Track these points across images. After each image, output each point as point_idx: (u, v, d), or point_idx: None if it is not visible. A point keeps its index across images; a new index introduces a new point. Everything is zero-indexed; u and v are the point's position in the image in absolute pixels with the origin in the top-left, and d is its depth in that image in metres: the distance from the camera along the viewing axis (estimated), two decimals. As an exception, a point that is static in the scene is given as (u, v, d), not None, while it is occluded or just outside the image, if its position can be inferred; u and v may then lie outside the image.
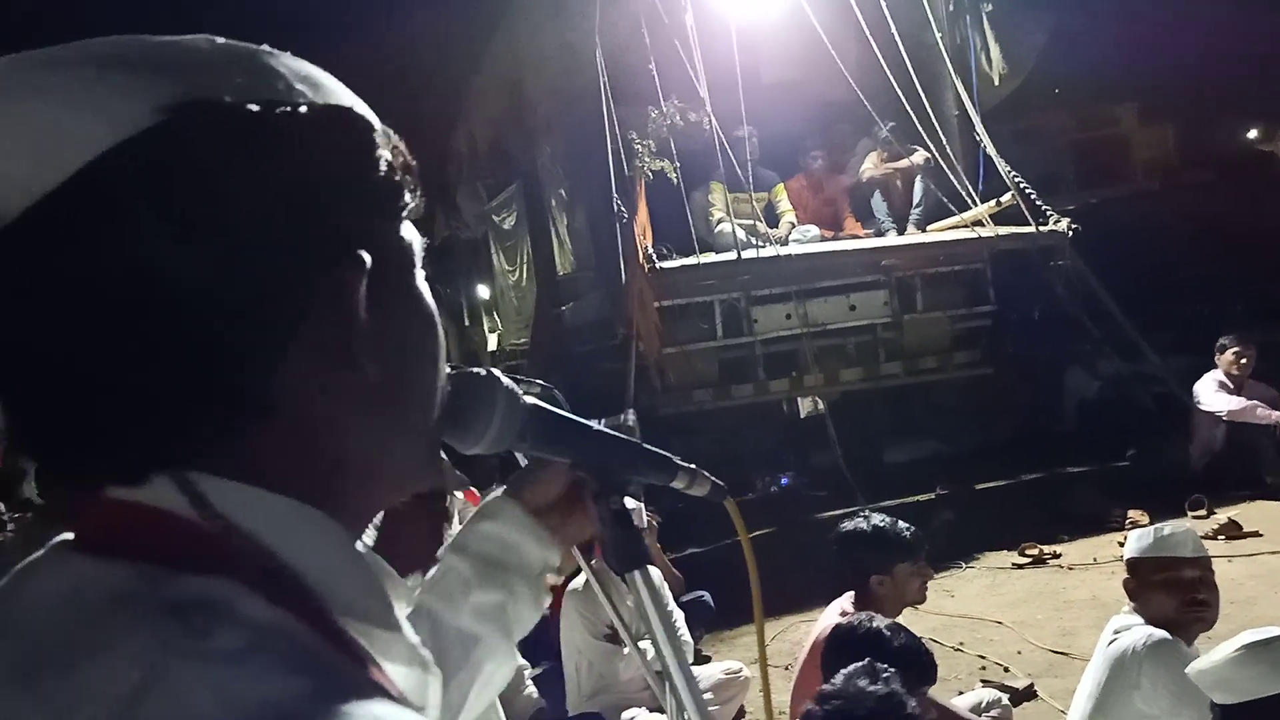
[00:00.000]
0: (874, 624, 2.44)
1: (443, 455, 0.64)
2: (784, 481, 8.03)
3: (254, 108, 0.48)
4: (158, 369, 0.46)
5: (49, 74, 0.47)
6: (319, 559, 0.49)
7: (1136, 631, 2.58)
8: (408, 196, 0.55)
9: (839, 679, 2.07)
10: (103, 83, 0.46)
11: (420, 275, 0.57)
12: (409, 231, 0.56)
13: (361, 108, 0.54)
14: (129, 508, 0.47)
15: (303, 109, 0.50)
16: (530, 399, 0.81)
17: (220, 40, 0.51)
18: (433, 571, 0.89)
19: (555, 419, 0.83)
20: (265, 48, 0.52)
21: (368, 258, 0.51)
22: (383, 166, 0.53)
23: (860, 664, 2.09)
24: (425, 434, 0.58)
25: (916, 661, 2.35)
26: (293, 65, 0.52)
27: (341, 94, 0.53)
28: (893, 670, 2.05)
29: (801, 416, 8.54)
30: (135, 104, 0.46)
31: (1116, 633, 2.64)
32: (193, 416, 0.47)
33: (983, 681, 3.95)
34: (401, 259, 0.55)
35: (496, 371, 0.79)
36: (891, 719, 1.96)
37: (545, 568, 0.89)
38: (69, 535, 0.50)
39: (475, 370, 0.78)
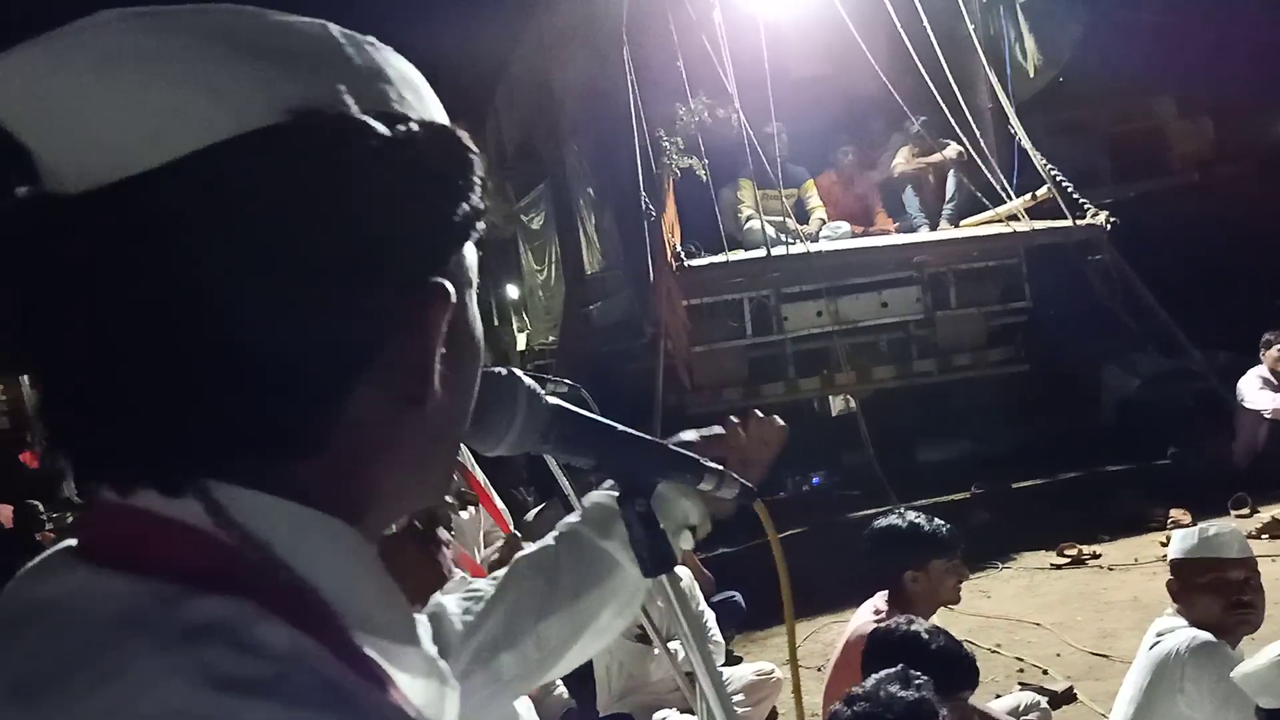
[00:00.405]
0: (912, 626, 2.39)
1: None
2: (815, 481, 7.98)
3: (378, 127, 0.45)
4: (215, 388, 0.44)
5: (175, 41, 0.44)
6: (337, 571, 0.47)
7: (1180, 634, 2.52)
8: (484, 222, 0.52)
9: (870, 682, 2.03)
10: (231, 65, 0.44)
11: (474, 296, 0.54)
12: (469, 249, 0.53)
13: (450, 123, 0.51)
14: (138, 514, 0.45)
15: (415, 127, 0.47)
16: (553, 399, 0.79)
17: (334, 29, 0.48)
18: (579, 512, 0.98)
19: (578, 420, 0.82)
20: (372, 41, 0.50)
21: (452, 290, 0.48)
22: (477, 196, 0.50)
23: (894, 669, 2.05)
24: (455, 454, 0.57)
25: (956, 665, 2.30)
26: (399, 67, 0.50)
27: (435, 106, 0.51)
28: (926, 677, 2.01)
29: (833, 415, 8.49)
30: (260, 97, 0.44)
31: (1160, 635, 2.58)
32: (241, 441, 0.45)
33: (1021, 684, 3.89)
34: (461, 281, 0.52)
35: (518, 372, 0.78)
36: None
37: (684, 522, 0.96)
38: (72, 542, 0.48)
39: (496, 370, 0.76)
